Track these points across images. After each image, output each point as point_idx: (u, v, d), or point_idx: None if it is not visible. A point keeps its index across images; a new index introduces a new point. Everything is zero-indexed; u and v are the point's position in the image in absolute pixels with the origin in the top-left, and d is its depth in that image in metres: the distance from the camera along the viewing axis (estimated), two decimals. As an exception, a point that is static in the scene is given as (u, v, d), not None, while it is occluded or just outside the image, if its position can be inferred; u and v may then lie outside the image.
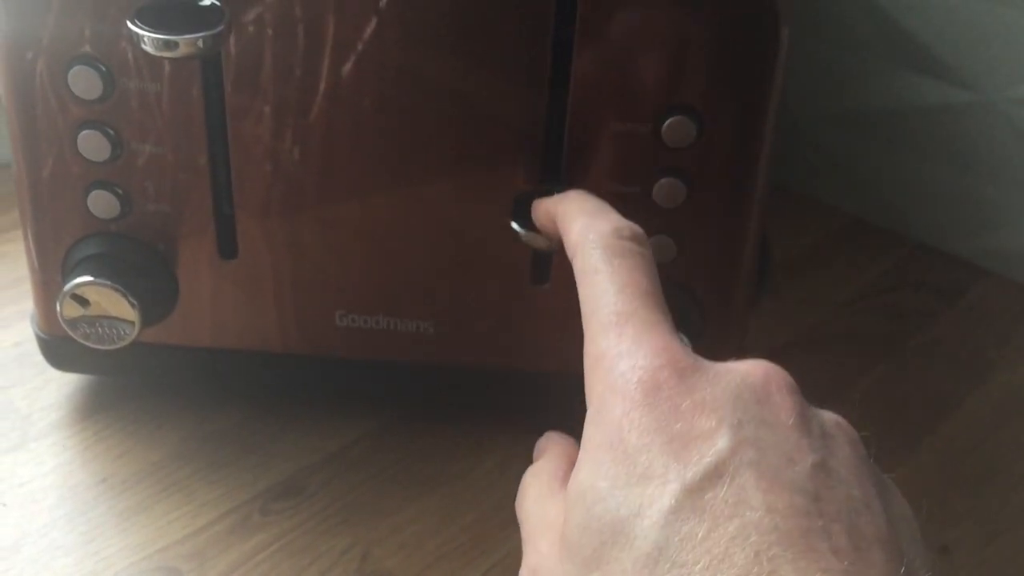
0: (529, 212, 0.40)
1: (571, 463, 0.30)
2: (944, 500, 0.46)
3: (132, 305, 0.42)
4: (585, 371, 0.29)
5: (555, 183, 0.41)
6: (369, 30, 0.39)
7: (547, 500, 0.30)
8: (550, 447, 0.34)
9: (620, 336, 0.28)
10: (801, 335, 0.57)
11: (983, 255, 0.63)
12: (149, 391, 0.49)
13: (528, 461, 0.48)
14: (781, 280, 0.60)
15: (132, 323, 0.42)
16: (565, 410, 0.50)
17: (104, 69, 0.40)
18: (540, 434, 0.50)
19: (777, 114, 0.41)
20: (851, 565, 0.23)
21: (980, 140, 0.61)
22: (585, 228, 0.32)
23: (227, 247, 0.44)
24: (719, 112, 0.40)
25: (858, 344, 0.56)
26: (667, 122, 0.40)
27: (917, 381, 0.54)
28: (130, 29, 0.36)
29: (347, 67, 0.40)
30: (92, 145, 0.41)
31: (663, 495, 0.25)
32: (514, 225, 0.41)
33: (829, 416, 0.28)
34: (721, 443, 0.25)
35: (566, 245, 0.34)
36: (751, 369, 0.27)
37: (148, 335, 0.44)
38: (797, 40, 0.65)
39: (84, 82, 0.40)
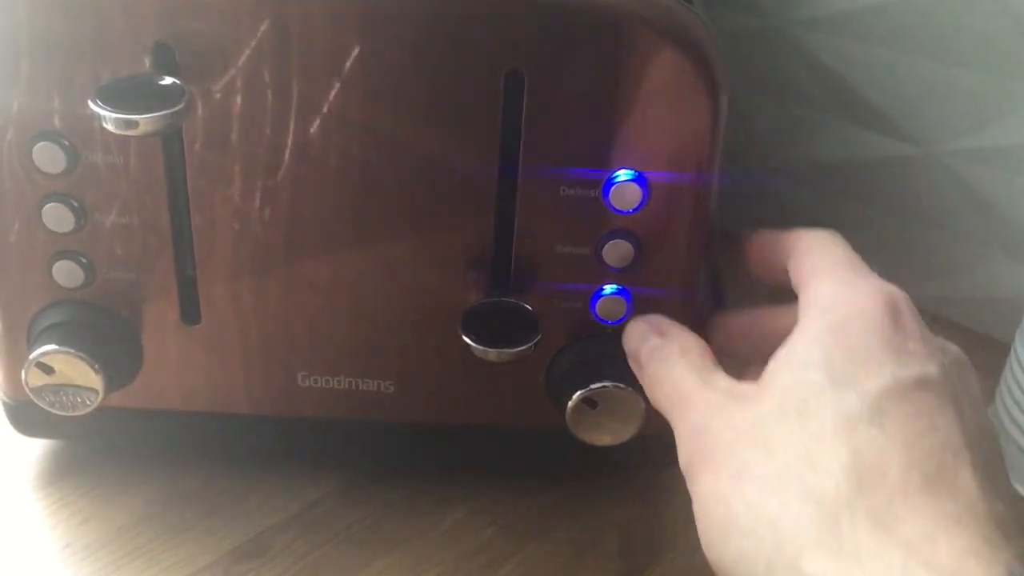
0: (481, 324, 0.41)
1: (706, 350, 0.38)
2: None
3: (96, 372, 0.42)
4: (805, 293, 0.37)
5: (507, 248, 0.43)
6: (333, 93, 0.40)
7: (706, 372, 0.37)
8: (677, 333, 0.40)
9: (860, 275, 0.37)
10: (756, 384, 0.58)
11: (931, 301, 0.65)
12: (112, 455, 0.50)
13: (490, 515, 0.49)
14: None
15: (96, 390, 0.43)
16: (524, 464, 0.51)
17: (68, 144, 0.41)
18: (501, 489, 0.51)
19: (720, 172, 0.43)
20: (985, 489, 0.31)
21: (923, 192, 0.63)
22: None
23: (190, 313, 0.45)
24: (664, 176, 0.41)
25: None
26: (614, 186, 0.41)
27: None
28: (92, 109, 0.37)
29: (312, 129, 0.41)
30: (57, 217, 0.42)
31: (879, 376, 0.32)
32: (466, 338, 0.42)
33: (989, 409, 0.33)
34: (932, 368, 0.33)
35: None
36: (958, 349, 0.36)
37: (114, 399, 0.45)
38: (749, 97, 0.68)
39: (48, 157, 0.41)
